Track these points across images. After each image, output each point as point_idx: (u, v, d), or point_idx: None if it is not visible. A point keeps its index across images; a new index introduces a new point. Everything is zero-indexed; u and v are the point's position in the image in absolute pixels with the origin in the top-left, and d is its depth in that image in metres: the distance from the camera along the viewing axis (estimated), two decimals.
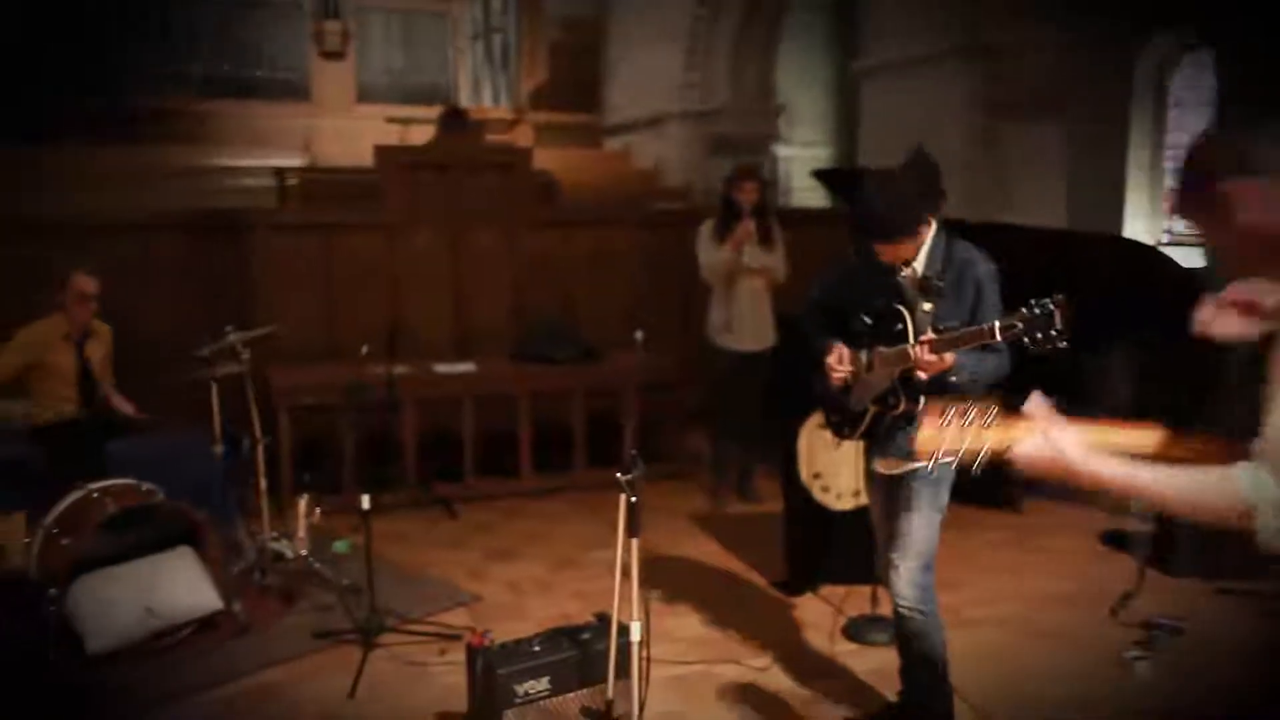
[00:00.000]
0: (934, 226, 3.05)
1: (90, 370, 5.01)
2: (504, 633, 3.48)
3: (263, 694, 3.75)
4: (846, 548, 4.48)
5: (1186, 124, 7.61)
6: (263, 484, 4.69)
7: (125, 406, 5.10)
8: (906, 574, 3.14)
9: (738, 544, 5.31)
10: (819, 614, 4.44)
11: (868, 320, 3.15)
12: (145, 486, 4.20)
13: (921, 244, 3.02)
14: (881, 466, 3.25)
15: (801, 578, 4.69)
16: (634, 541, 2.78)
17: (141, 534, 4.22)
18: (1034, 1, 7.26)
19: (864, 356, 3.17)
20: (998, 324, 2.70)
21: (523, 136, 11.87)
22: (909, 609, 3.17)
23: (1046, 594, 4.65)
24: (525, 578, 4.91)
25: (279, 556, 4.78)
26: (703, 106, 10.63)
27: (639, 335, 6.62)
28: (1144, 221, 7.76)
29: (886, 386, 3.06)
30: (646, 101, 11.68)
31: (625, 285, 7.26)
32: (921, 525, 3.12)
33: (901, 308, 3.02)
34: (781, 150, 10.15)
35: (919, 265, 3.04)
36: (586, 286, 7.15)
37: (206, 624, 4.15)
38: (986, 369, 2.96)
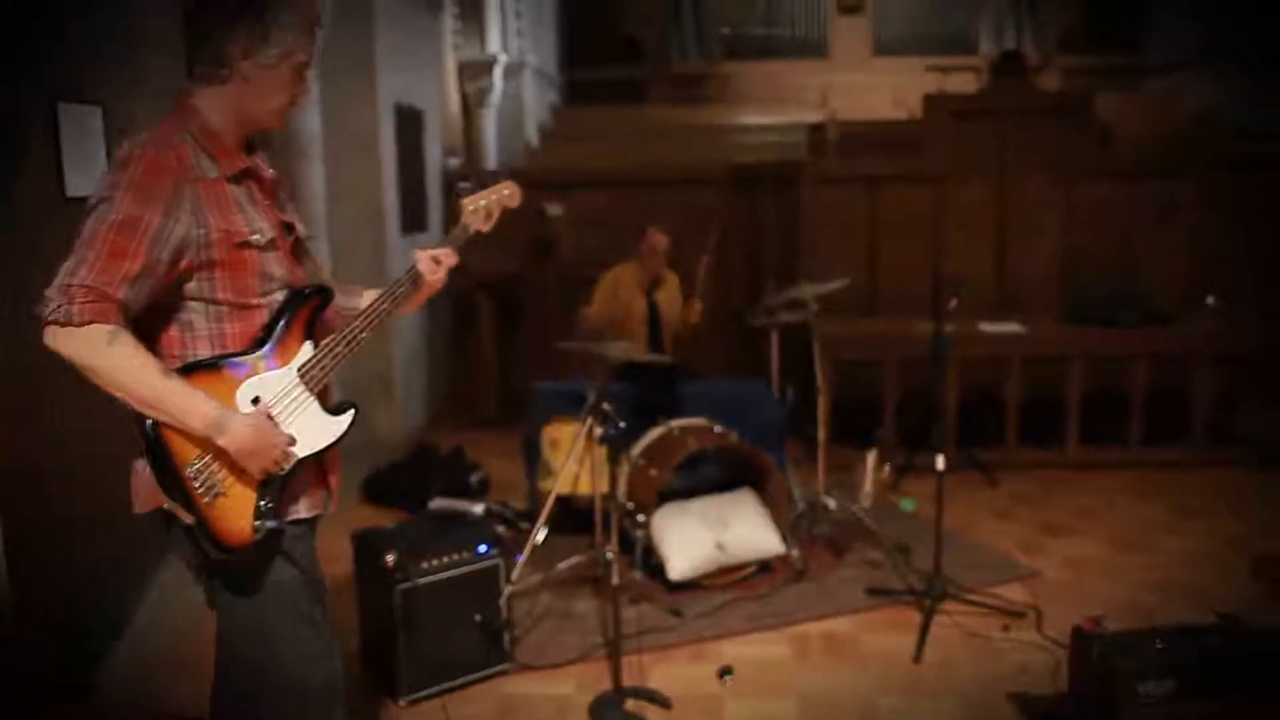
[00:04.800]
0: None
1: (658, 316, 5.31)
2: (1071, 616, 3.20)
3: (829, 640, 3.79)
4: None
5: None
6: (821, 435, 4.73)
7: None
8: None
9: None
10: None
11: None
12: (718, 428, 4.40)
13: None
14: None
15: None
16: None
17: (709, 471, 4.45)
18: None
19: None
20: None
21: (1048, 82, 11.00)
22: None
23: None
24: (1085, 557, 4.52)
25: (825, 508, 4.82)
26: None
27: (1211, 300, 5.84)
28: None
29: None
30: (1199, 35, 10.29)
31: (1191, 242, 6.39)
32: None
33: None
34: None
35: None
36: (1146, 242, 6.40)
37: (764, 566, 4.27)
38: None
